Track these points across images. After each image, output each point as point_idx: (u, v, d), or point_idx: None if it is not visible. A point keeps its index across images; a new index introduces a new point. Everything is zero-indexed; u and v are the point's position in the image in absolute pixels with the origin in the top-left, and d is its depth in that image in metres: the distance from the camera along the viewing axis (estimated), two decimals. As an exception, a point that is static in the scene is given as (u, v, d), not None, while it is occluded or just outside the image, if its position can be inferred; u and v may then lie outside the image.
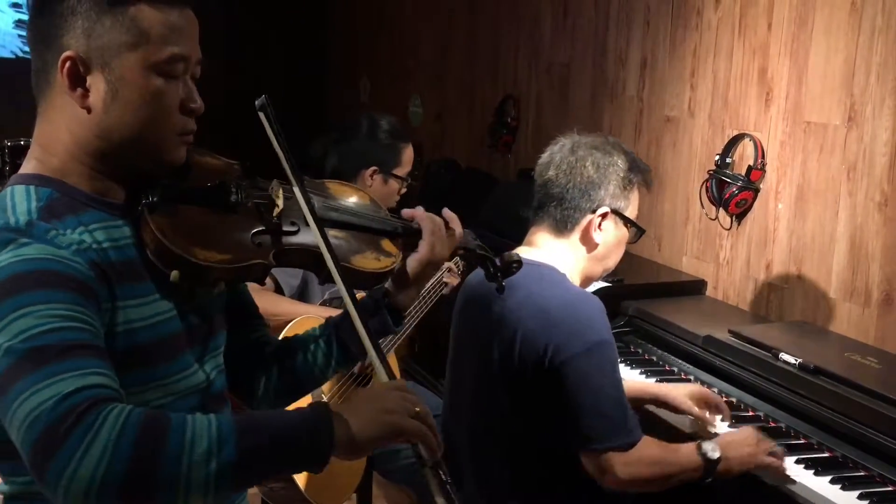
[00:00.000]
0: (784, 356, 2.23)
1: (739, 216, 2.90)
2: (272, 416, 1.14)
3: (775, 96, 2.78)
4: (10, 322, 1.07)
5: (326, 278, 1.37)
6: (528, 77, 4.24)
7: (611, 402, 1.81)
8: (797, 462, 1.96)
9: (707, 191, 2.94)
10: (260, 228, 1.34)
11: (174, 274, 1.24)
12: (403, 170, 2.82)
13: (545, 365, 1.82)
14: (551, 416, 1.85)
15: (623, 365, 2.48)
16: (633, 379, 2.41)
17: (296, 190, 1.35)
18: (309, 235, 1.36)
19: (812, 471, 1.93)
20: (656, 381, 2.41)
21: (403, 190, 2.83)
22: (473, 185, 4.29)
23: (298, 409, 1.15)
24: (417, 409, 1.20)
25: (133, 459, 1.01)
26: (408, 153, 2.84)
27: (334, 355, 1.52)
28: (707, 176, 2.93)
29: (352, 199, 1.53)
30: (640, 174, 2.00)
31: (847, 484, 1.88)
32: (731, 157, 2.88)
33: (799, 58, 2.69)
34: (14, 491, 1.25)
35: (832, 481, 1.89)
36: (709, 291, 3.04)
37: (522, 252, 1.97)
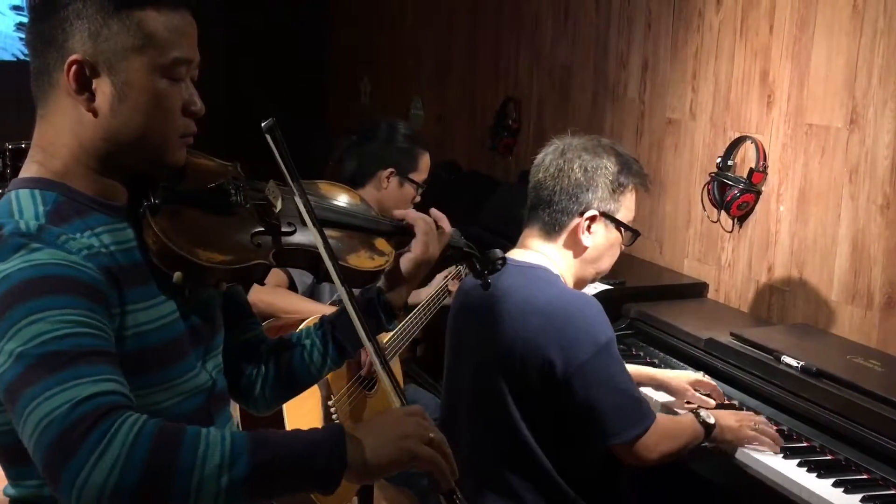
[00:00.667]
0: (786, 359, 2.23)
1: (741, 219, 2.90)
2: (286, 435, 1.14)
3: (777, 98, 2.78)
4: (23, 328, 1.07)
5: (323, 277, 1.38)
6: (529, 79, 4.24)
7: (626, 395, 1.87)
8: (800, 465, 1.96)
9: (708, 193, 2.93)
10: (259, 229, 1.35)
11: (177, 275, 1.24)
12: (420, 176, 2.81)
13: (557, 375, 1.85)
14: (566, 419, 1.88)
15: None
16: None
17: (297, 200, 1.36)
18: (306, 235, 1.37)
19: (815, 474, 1.93)
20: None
21: (418, 198, 2.81)
22: (474, 187, 4.28)
23: (313, 430, 1.15)
24: (432, 435, 1.20)
25: (145, 469, 1.01)
26: (425, 160, 2.83)
27: (330, 353, 1.53)
28: (708, 178, 2.93)
29: (343, 199, 1.54)
30: (634, 177, 2.00)
31: (850, 487, 1.88)
32: (733, 160, 2.88)
33: (800, 60, 2.68)
34: (20, 494, 1.25)
35: (835, 484, 1.89)
36: (710, 294, 3.03)
37: (516, 254, 1.99)
